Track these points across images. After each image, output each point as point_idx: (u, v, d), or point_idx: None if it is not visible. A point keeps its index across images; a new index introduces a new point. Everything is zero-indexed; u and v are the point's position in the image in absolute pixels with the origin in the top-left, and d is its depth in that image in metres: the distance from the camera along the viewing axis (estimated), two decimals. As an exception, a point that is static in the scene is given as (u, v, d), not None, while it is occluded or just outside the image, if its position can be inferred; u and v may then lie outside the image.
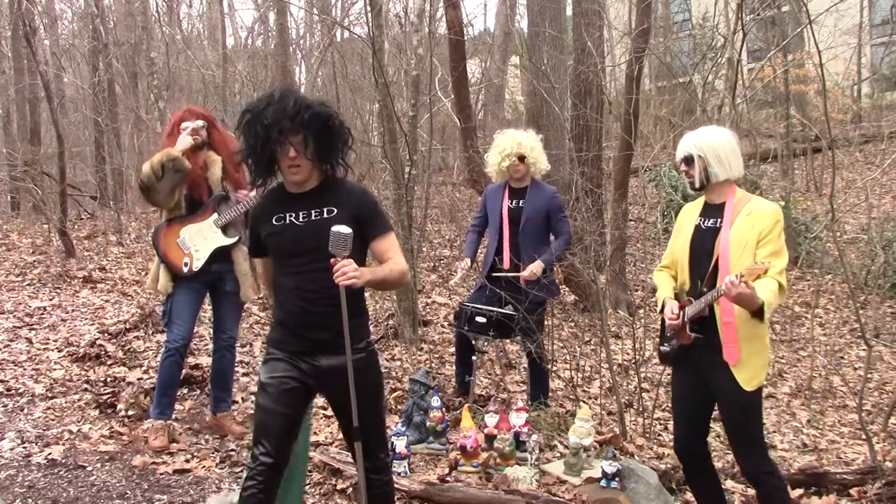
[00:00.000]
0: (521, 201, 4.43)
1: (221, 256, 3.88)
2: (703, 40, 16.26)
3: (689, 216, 2.96)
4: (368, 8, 6.59)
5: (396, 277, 2.47)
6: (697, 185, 2.85)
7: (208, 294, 4.02)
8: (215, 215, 3.88)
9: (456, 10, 9.06)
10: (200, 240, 3.85)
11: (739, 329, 2.73)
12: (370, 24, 6.49)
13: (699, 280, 2.82)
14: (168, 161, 3.70)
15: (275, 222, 2.46)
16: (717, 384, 2.80)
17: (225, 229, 3.88)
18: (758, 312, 2.64)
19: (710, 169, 2.80)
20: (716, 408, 2.96)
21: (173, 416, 3.99)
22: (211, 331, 4.57)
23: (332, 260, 2.31)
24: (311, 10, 15.48)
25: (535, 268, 4.27)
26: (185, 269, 3.83)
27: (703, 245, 2.84)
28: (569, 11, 10.72)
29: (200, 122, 3.90)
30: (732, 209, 2.80)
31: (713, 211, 2.87)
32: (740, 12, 4.72)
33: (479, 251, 4.94)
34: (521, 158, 4.38)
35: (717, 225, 2.82)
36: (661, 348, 3.04)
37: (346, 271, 2.28)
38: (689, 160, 2.84)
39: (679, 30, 21.89)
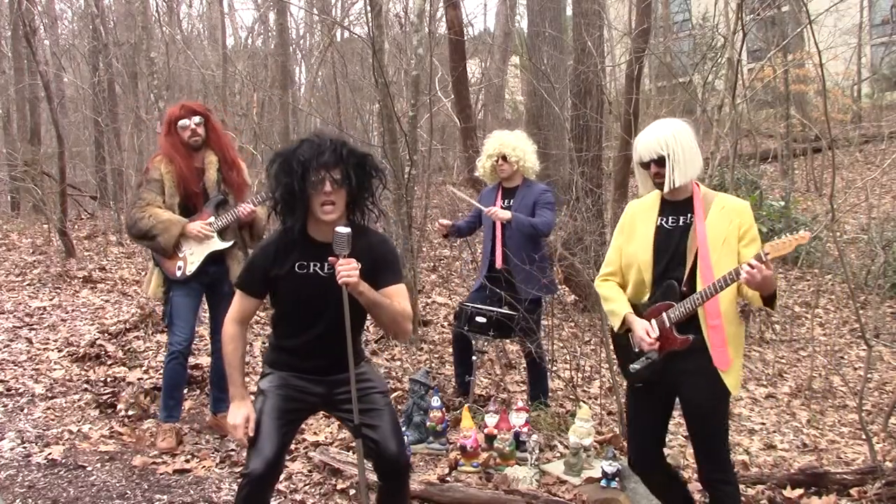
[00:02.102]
0: (511, 200, 4.46)
1: (218, 259, 3.85)
2: (703, 40, 16.26)
3: (643, 216, 2.73)
4: (368, 8, 6.59)
5: (395, 311, 2.42)
6: (667, 189, 2.62)
7: (209, 300, 3.98)
8: (212, 219, 3.82)
9: (456, 10, 9.06)
10: (195, 243, 3.80)
11: (727, 331, 2.57)
12: (370, 24, 6.49)
13: (677, 281, 2.61)
14: (161, 239, 3.71)
15: (297, 269, 2.43)
16: (695, 390, 2.59)
17: (221, 233, 3.83)
18: (770, 299, 2.47)
19: (676, 171, 2.58)
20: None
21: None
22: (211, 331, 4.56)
23: (330, 259, 2.34)
24: (311, 10, 15.48)
25: (501, 212, 4.31)
26: (179, 273, 3.79)
27: (670, 244, 2.63)
28: (569, 11, 10.71)
29: (198, 119, 3.81)
30: (701, 204, 2.63)
31: (677, 208, 2.66)
32: (740, 12, 4.71)
33: (478, 251, 4.95)
34: (504, 157, 4.40)
35: (687, 222, 2.62)
36: (631, 367, 2.71)
37: (341, 271, 2.29)
38: (661, 161, 2.60)
39: (679, 30, 21.88)
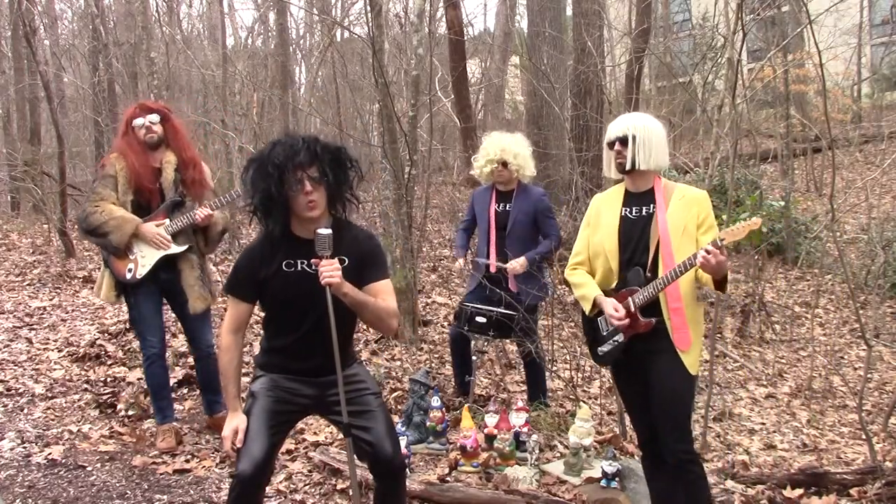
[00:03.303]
0: (507, 205, 4.40)
1: (170, 263, 3.75)
2: (703, 40, 16.26)
3: (608, 207, 2.88)
4: (368, 8, 6.59)
5: (381, 309, 2.43)
6: (628, 167, 2.77)
7: (172, 308, 3.93)
8: (167, 221, 3.74)
9: (456, 10, 9.09)
10: (147, 246, 3.71)
11: (686, 313, 2.70)
12: (370, 24, 6.48)
13: (641, 267, 2.75)
14: (113, 238, 3.61)
15: (285, 268, 2.44)
16: (659, 368, 2.71)
17: (175, 236, 3.73)
18: (722, 282, 2.61)
19: (638, 154, 2.73)
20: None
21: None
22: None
23: (313, 260, 2.35)
24: (311, 10, 15.49)
25: (518, 263, 4.27)
26: (129, 276, 3.69)
27: (633, 234, 2.78)
28: (569, 11, 10.73)
29: (154, 117, 3.72)
30: (663, 195, 2.78)
31: (640, 199, 2.82)
32: (740, 12, 4.70)
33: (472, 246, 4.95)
34: (504, 164, 4.34)
35: (650, 212, 2.77)
36: (600, 349, 2.90)
37: (324, 272, 2.30)
38: (625, 140, 2.77)
39: (679, 30, 21.91)
